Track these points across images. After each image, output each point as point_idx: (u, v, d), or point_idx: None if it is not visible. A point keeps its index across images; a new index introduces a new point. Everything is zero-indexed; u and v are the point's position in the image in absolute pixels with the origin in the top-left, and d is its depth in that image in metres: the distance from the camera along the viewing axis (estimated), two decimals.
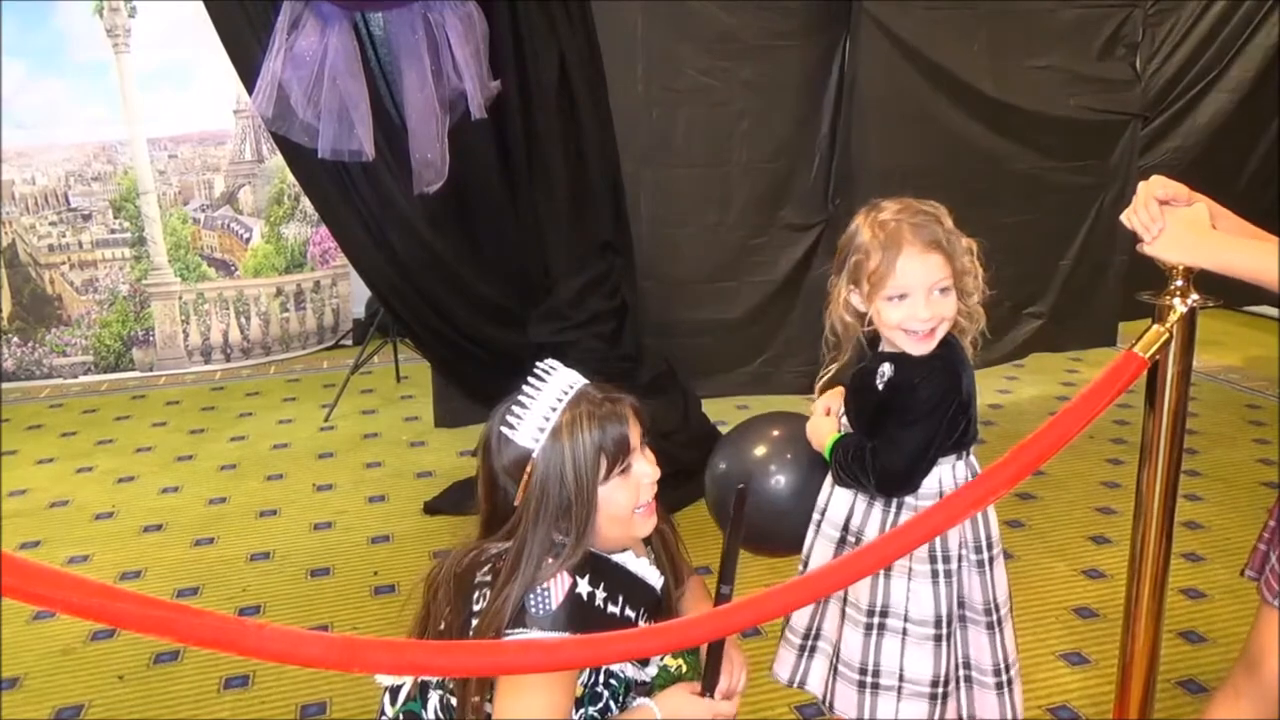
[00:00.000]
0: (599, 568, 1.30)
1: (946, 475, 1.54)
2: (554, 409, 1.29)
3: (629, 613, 1.31)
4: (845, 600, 1.59)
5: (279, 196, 4.98)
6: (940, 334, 1.50)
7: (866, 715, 1.56)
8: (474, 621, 1.27)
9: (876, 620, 1.56)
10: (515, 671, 1.21)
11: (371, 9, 2.68)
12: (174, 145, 4.75)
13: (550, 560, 1.26)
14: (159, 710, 2.29)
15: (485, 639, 1.23)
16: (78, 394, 4.67)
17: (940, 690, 1.55)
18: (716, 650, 1.35)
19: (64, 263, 4.72)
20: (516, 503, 1.30)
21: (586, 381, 1.34)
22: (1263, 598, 1.56)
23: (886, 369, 1.53)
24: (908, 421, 1.49)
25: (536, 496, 1.27)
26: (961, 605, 1.57)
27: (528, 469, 1.28)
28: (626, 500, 1.33)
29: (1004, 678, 1.59)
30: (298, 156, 2.82)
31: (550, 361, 1.33)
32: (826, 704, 1.63)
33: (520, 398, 1.30)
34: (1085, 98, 3.58)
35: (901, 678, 1.55)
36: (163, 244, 4.80)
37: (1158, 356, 1.45)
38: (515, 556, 1.26)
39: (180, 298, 4.89)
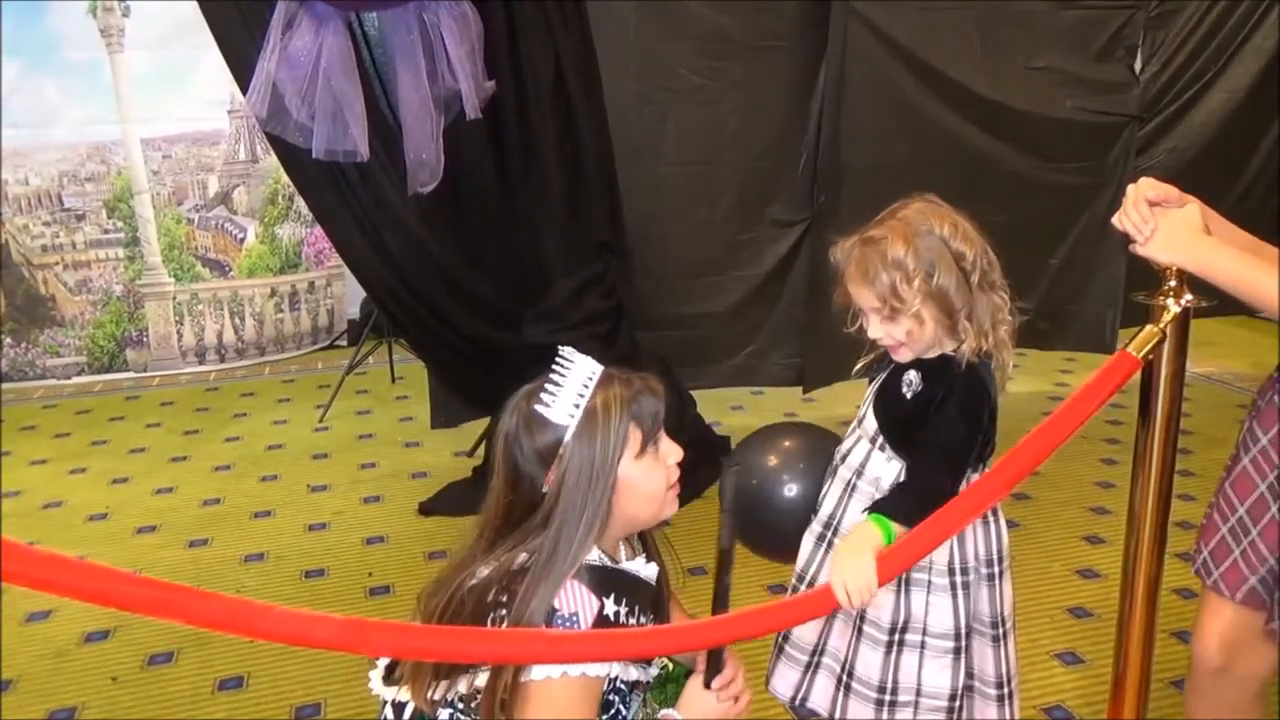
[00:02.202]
0: (616, 581, 1.28)
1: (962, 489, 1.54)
2: (586, 388, 1.28)
3: (643, 620, 1.31)
4: (860, 617, 1.58)
5: (273, 197, 4.97)
6: (918, 349, 1.50)
7: None
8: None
9: (896, 637, 1.55)
10: (519, 661, 1.20)
11: (366, 9, 2.68)
12: (168, 145, 4.74)
13: (584, 545, 1.25)
14: (153, 711, 2.29)
15: (507, 666, 1.21)
16: (71, 395, 4.66)
17: (957, 704, 1.56)
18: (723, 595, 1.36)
19: (57, 263, 4.71)
20: (545, 487, 1.27)
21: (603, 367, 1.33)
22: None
23: (913, 377, 1.53)
24: (940, 423, 1.48)
25: (574, 476, 1.25)
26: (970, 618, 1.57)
27: (561, 451, 1.26)
28: (660, 480, 1.32)
29: (1005, 690, 1.59)
30: (292, 157, 2.81)
31: (568, 350, 1.31)
32: None
33: (548, 382, 1.29)
34: (1082, 99, 3.58)
35: (919, 692, 1.55)
36: (157, 244, 4.79)
37: (1151, 357, 1.45)
38: (554, 542, 1.24)
39: (174, 298, 4.88)
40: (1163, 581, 1.59)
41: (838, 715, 1.61)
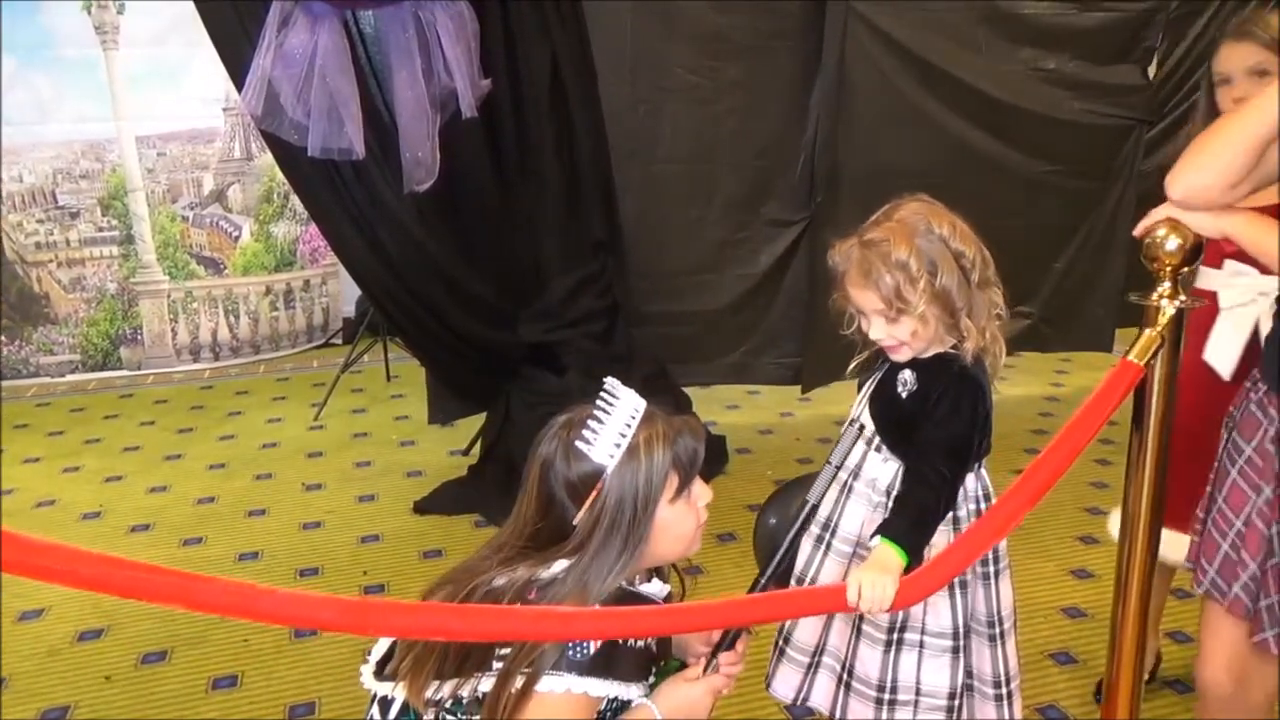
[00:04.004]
0: (630, 604, 1.30)
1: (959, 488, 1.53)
2: (629, 425, 1.29)
3: (649, 641, 1.34)
4: (860, 616, 1.58)
5: (268, 195, 4.96)
6: (918, 348, 1.50)
7: None
8: (499, 651, 1.25)
9: (895, 636, 1.55)
10: (528, 638, 1.21)
11: (362, 7, 2.68)
12: (163, 143, 4.72)
13: (615, 581, 1.26)
14: (147, 710, 2.28)
15: (516, 674, 1.22)
16: (65, 393, 4.64)
17: (956, 703, 1.56)
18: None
19: (51, 260, 4.69)
20: (576, 521, 1.28)
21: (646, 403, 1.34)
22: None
23: (908, 377, 1.53)
24: (938, 423, 1.48)
25: (611, 513, 1.27)
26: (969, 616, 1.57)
27: (598, 486, 1.27)
28: (691, 523, 1.35)
29: (1004, 690, 1.58)
30: (288, 155, 2.81)
31: (613, 381, 1.32)
32: (836, 718, 1.62)
33: (590, 417, 1.29)
34: (1092, 101, 3.55)
35: (918, 691, 1.55)
36: (151, 242, 4.77)
37: (1152, 361, 1.45)
38: (583, 573, 1.25)
39: (169, 296, 4.87)
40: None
41: (838, 714, 1.62)
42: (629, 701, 1.33)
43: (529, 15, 2.89)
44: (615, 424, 1.29)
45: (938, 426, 1.47)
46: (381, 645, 1.39)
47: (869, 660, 1.57)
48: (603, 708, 1.31)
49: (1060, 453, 1.36)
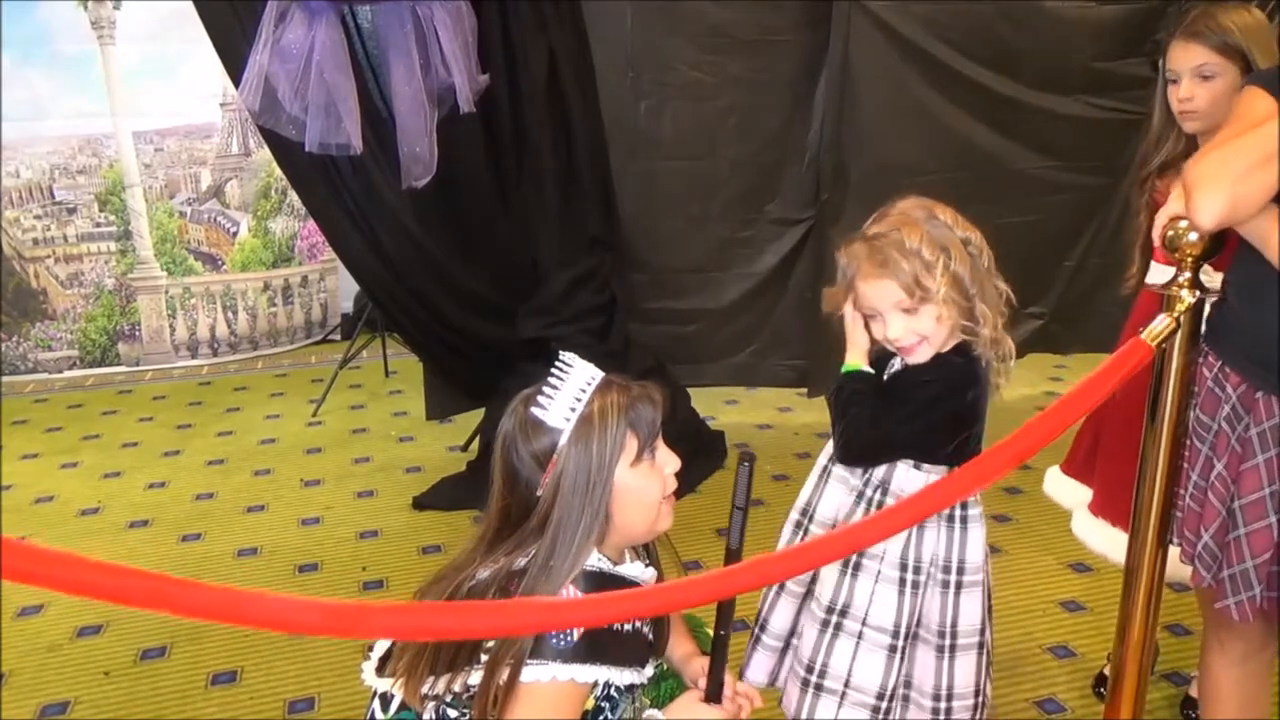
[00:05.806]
0: (609, 587, 1.28)
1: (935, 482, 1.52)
2: (583, 392, 1.28)
3: (638, 624, 1.32)
4: (808, 593, 1.58)
5: (266, 190, 4.95)
6: (934, 345, 1.48)
7: (804, 716, 1.54)
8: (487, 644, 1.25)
9: (834, 619, 1.53)
10: (520, 632, 1.20)
11: (360, 2, 2.67)
12: (160, 138, 4.71)
13: (581, 550, 1.25)
14: (146, 707, 2.28)
15: (502, 666, 1.22)
16: (63, 389, 4.64)
17: (885, 704, 1.52)
18: (721, 651, 1.34)
19: (49, 256, 4.68)
20: (539, 491, 1.27)
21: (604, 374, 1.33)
22: None
23: (898, 363, 1.55)
24: (896, 405, 1.49)
25: (570, 478, 1.26)
26: (918, 623, 1.53)
27: (556, 455, 1.27)
28: (655, 489, 1.32)
29: (942, 705, 1.52)
30: (285, 151, 2.80)
31: (568, 355, 1.32)
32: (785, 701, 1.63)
33: (546, 385, 1.29)
34: (1099, 96, 3.51)
35: (847, 683, 1.52)
36: (149, 238, 4.76)
37: (1164, 346, 1.44)
38: (550, 547, 1.25)
39: (166, 292, 4.86)
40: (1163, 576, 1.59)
41: (780, 689, 1.64)
42: (626, 687, 1.33)
43: (527, 12, 2.89)
44: (570, 390, 1.28)
45: (910, 387, 1.50)
46: (383, 642, 1.39)
47: (806, 638, 1.56)
48: (598, 693, 1.30)
49: (1055, 418, 1.34)
